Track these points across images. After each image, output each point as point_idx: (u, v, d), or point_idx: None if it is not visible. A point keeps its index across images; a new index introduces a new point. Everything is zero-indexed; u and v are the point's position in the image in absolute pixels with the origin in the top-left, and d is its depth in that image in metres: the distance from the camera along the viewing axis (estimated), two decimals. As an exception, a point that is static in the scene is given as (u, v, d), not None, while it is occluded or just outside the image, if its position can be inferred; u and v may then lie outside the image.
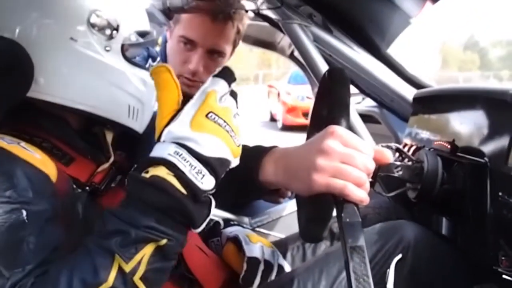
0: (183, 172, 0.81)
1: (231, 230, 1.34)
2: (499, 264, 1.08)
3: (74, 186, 1.04)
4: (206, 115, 0.85)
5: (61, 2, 1.02)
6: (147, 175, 0.82)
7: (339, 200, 0.86)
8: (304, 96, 11.88)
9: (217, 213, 2.00)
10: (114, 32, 1.06)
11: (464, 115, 1.36)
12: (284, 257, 1.52)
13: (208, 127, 0.85)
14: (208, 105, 0.86)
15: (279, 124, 13.48)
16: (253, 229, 2.09)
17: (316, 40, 1.68)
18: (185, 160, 0.82)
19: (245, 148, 1.05)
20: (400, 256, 1.19)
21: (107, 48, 1.06)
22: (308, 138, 1.21)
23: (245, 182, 1.01)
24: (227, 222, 1.45)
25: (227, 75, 0.91)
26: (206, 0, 1.42)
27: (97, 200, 1.08)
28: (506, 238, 1.08)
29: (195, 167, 0.82)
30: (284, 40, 2.72)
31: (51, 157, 1.00)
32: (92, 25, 1.04)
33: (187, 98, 1.70)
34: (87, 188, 1.06)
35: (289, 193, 1.65)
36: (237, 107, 0.92)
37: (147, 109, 1.16)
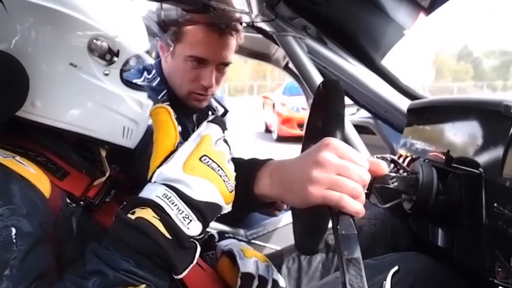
0: (169, 216, 0.79)
1: (226, 243, 1.33)
2: (495, 276, 1.08)
3: (69, 200, 1.03)
4: (200, 158, 0.84)
5: (62, 28, 1.01)
6: (133, 217, 0.79)
7: (335, 212, 0.86)
8: (299, 107, 11.93)
9: (211, 226, 2.00)
10: (114, 57, 1.06)
11: (458, 126, 1.36)
12: (280, 269, 1.51)
13: (201, 170, 0.83)
14: (203, 148, 0.86)
15: (274, 135, 13.48)
16: (248, 242, 2.09)
17: (311, 52, 1.68)
18: (173, 203, 0.80)
19: (240, 161, 1.05)
20: (396, 268, 1.19)
21: (106, 72, 1.05)
22: (303, 149, 1.21)
23: (241, 195, 1.00)
24: (222, 235, 1.44)
25: (220, 122, 0.91)
26: (200, 13, 1.42)
27: (91, 214, 1.07)
28: (502, 249, 1.08)
29: (182, 212, 0.80)
30: (278, 52, 2.74)
31: (45, 171, 0.99)
32: (92, 51, 1.03)
33: (197, 112, 1.73)
34: (82, 202, 1.05)
35: (285, 206, 1.65)
36: (230, 153, 0.92)
37: (141, 128, 1.15)
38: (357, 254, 0.80)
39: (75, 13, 1.02)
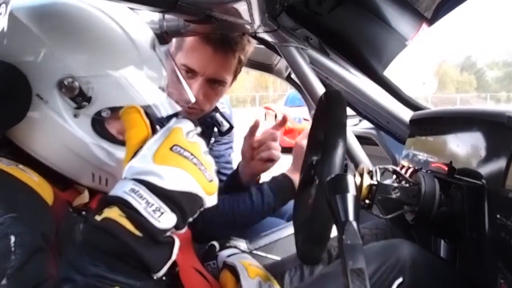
0: (137, 211, 0.76)
1: (228, 253, 1.33)
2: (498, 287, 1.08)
3: (71, 210, 1.03)
4: (171, 148, 0.81)
5: (40, 57, 1.00)
6: (99, 218, 0.77)
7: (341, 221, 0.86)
8: (301, 118, 11.92)
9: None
10: (85, 103, 1.02)
11: (461, 137, 1.36)
12: (282, 278, 1.51)
13: (172, 159, 0.80)
14: (173, 138, 0.83)
15: (277, 146, 13.46)
16: (250, 252, 2.08)
17: (313, 62, 1.68)
18: (141, 197, 0.77)
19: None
20: (401, 279, 1.18)
21: (76, 114, 1.03)
22: (305, 160, 1.21)
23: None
24: (223, 245, 1.44)
25: (192, 119, 0.88)
26: (202, 24, 1.43)
27: None
28: (504, 260, 1.07)
29: (152, 204, 0.77)
30: (280, 63, 2.74)
31: (47, 180, 0.99)
32: (62, 89, 1.00)
33: (201, 126, 1.78)
34: (83, 213, 1.05)
35: None
36: (207, 147, 0.88)
37: None
38: (362, 264, 0.80)
39: (55, 46, 1.00)
